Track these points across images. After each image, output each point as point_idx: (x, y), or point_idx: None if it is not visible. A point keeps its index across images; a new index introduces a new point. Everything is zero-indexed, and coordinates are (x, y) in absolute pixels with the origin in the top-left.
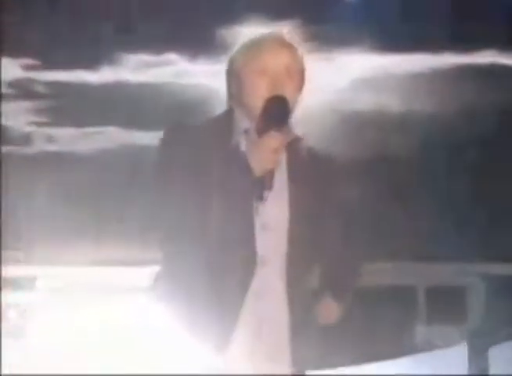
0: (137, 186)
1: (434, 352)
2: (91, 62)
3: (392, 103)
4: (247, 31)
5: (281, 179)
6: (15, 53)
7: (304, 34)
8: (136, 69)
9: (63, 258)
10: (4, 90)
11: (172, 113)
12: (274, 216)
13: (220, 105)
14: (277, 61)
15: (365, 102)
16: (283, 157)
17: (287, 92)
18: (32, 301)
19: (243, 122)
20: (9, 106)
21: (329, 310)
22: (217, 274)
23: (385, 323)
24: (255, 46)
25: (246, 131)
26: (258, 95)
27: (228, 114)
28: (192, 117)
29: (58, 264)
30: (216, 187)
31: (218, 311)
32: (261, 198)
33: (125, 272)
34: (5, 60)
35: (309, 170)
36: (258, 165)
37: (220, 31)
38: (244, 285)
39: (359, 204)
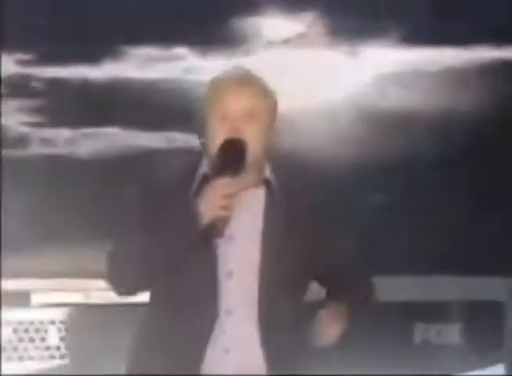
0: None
1: (470, 374)
2: (93, 56)
3: (420, 100)
4: (265, 23)
5: (253, 224)
6: (10, 47)
7: (324, 27)
8: (142, 64)
9: (59, 268)
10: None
11: (181, 112)
12: (239, 263)
13: None
14: (237, 105)
15: (391, 99)
16: (259, 201)
17: (248, 135)
18: (27, 317)
19: (204, 167)
20: (4, 105)
21: (332, 322)
22: (180, 326)
23: (410, 341)
24: (216, 90)
25: (204, 176)
26: (219, 140)
27: (198, 161)
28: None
29: (54, 276)
30: (175, 238)
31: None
32: (210, 246)
33: None
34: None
35: (284, 215)
36: (207, 211)
37: (235, 23)
38: (204, 339)
39: (381, 213)
